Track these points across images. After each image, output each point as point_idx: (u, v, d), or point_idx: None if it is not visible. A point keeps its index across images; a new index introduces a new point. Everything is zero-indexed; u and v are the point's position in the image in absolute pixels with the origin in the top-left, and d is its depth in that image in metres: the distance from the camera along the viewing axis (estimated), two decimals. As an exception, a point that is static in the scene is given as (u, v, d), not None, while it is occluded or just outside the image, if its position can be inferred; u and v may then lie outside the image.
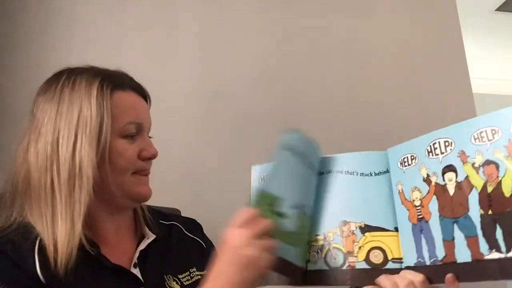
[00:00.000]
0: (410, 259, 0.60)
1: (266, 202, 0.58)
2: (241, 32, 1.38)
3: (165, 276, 0.69)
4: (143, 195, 0.69)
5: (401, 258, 0.61)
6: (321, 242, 0.64)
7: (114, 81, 0.68)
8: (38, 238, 0.60)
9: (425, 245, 0.58)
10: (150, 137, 0.72)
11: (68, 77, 0.66)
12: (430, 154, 0.60)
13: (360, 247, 0.62)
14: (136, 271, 0.67)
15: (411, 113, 1.38)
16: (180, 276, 0.70)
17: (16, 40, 1.27)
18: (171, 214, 0.81)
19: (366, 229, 0.62)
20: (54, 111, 0.64)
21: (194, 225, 0.83)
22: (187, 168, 1.24)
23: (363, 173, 0.65)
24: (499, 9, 2.51)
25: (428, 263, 0.58)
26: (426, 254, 0.58)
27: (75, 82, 0.65)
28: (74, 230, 0.60)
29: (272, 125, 1.30)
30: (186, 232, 0.79)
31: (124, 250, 0.69)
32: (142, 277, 0.67)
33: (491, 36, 2.82)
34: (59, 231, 0.60)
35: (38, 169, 0.62)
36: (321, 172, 0.67)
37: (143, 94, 0.73)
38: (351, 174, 0.65)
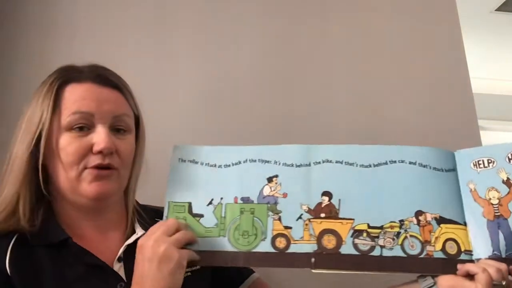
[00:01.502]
0: (482, 252, 0.65)
1: (179, 210, 0.69)
2: (241, 32, 1.38)
3: None
4: (91, 193, 0.65)
5: (471, 251, 0.66)
6: (396, 229, 0.66)
7: (67, 75, 0.67)
8: (16, 234, 0.63)
9: (503, 240, 0.64)
10: (122, 129, 0.68)
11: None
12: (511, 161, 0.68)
13: (436, 238, 0.65)
14: (119, 266, 0.66)
15: (411, 113, 1.37)
16: None
17: (17, 40, 1.27)
18: None
19: (441, 220, 0.66)
20: (26, 107, 0.69)
21: None
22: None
23: (435, 168, 0.68)
24: (499, 9, 2.51)
25: (503, 255, 0.64)
26: (503, 247, 0.64)
27: (43, 82, 0.69)
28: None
29: (273, 125, 1.30)
30: None
31: (107, 247, 0.68)
32: (126, 273, 0.66)
33: (491, 36, 2.82)
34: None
35: None
36: (393, 161, 0.69)
37: (108, 84, 0.68)
38: (424, 167, 0.68)
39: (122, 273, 0.66)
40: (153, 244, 0.60)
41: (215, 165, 0.72)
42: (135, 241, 0.67)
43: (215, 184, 0.71)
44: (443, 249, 0.65)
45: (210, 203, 0.70)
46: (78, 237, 0.65)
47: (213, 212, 0.69)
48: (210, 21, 1.37)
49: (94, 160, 0.64)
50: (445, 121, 1.37)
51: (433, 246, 0.65)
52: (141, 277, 0.60)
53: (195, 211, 0.69)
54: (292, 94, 1.34)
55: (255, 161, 0.72)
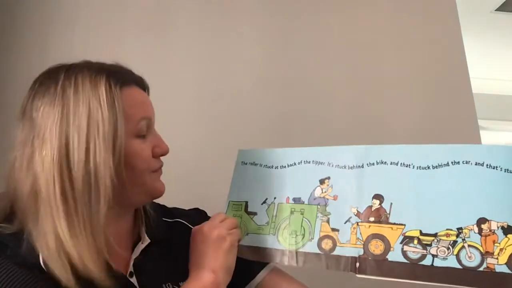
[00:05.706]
0: None
1: (237, 208, 0.75)
2: (241, 32, 1.38)
3: (163, 286, 0.66)
4: (161, 191, 0.68)
5: None
6: (453, 238, 0.60)
7: (120, 78, 0.62)
8: (41, 257, 0.56)
9: None
10: None
11: (68, 76, 0.59)
12: None
13: (501, 249, 0.58)
14: (133, 281, 0.64)
15: (411, 113, 1.38)
16: (181, 284, 0.66)
17: (17, 38, 1.27)
18: (176, 210, 0.79)
19: (509, 230, 0.58)
20: (59, 114, 0.57)
21: (198, 215, 0.81)
22: (187, 168, 1.24)
23: (507, 170, 0.60)
24: (499, 9, 2.52)
25: None
26: None
27: (78, 81, 0.59)
28: (96, 244, 0.56)
29: (273, 125, 1.30)
30: (191, 226, 0.73)
31: (120, 256, 0.65)
32: (140, 286, 0.64)
33: (491, 36, 2.83)
34: (81, 246, 0.55)
35: (46, 179, 0.55)
36: (456, 162, 0.63)
37: (145, 87, 0.69)
38: (493, 168, 0.61)
39: (137, 285, 0.64)
40: (208, 229, 0.67)
41: (272, 166, 0.76)
42: (142, 252, 0.67)
43: (271, 184, 0.74)
44: (508, 263, 0.57)
45: (264, 202, 0.74)
46: None
47: (266, 211, 0.73)
48: (209, 19, 1.37)
49: (158, 162, 0.67)
50: (445, 121, 1.37)
51: (496, 258, 0.57)
52: (197, 260, 0.65)
53: (250, 209, 0.75)
54: (292, 94, 1.34)
55: (309, 162, 0.73)
